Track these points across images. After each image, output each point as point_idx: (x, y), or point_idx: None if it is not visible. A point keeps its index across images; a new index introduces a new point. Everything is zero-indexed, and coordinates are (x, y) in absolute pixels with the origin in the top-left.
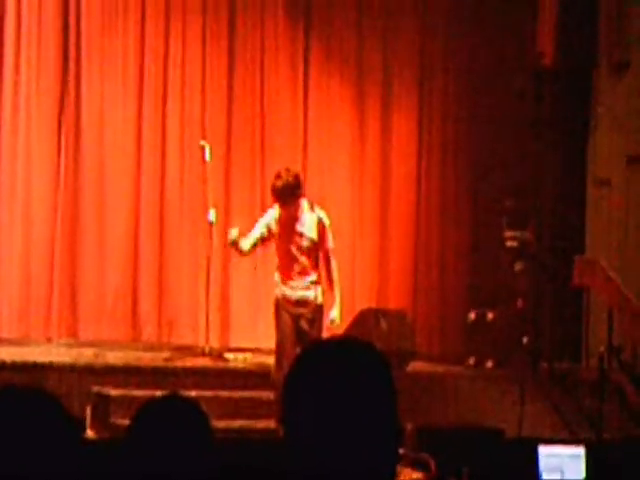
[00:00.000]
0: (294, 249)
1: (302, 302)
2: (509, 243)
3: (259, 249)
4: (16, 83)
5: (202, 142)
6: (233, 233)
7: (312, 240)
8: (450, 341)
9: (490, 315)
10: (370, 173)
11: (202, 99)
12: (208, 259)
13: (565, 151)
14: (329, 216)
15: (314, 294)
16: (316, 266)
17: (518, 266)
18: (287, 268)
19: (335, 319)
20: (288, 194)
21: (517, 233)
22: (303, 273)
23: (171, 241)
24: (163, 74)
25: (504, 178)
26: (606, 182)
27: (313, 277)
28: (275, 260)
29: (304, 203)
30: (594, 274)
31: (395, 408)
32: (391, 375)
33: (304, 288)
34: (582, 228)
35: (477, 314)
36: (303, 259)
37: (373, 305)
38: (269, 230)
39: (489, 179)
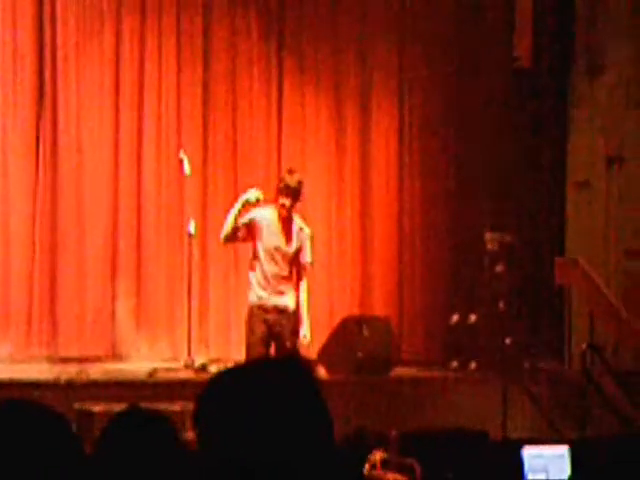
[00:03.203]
0: (280, 253)
1: (280, 309)
2: (490, 245)
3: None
4: None
5: (181, 154)
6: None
7: (297, 248)
8: (433, 344)
9: (472, 317)
10: (349, 182)
11: (178, 113)
12: (189, 271)
13: (544, 153)
14: (310, 226)
15: (293, 301)
16: (294, 274)
17: (499, 268)
18: (269, 271)
19: (306, 336)
20: (299, 194)
21: (498, 235)
22: (284, 279)
23: (149, 254)
24: (139, 87)
25: (484, 181)
26: (585, 183)
27: (291, 284)
28: (247, 262)
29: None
30: (574, 274)
31: (314, 418)
32: (305, 387)
33: (283, 294)
34: (562, 230)
35: (459, 317)
36: (286, 264)
37: (356, 312)
38: (254, 224)
39: (470, 182)
